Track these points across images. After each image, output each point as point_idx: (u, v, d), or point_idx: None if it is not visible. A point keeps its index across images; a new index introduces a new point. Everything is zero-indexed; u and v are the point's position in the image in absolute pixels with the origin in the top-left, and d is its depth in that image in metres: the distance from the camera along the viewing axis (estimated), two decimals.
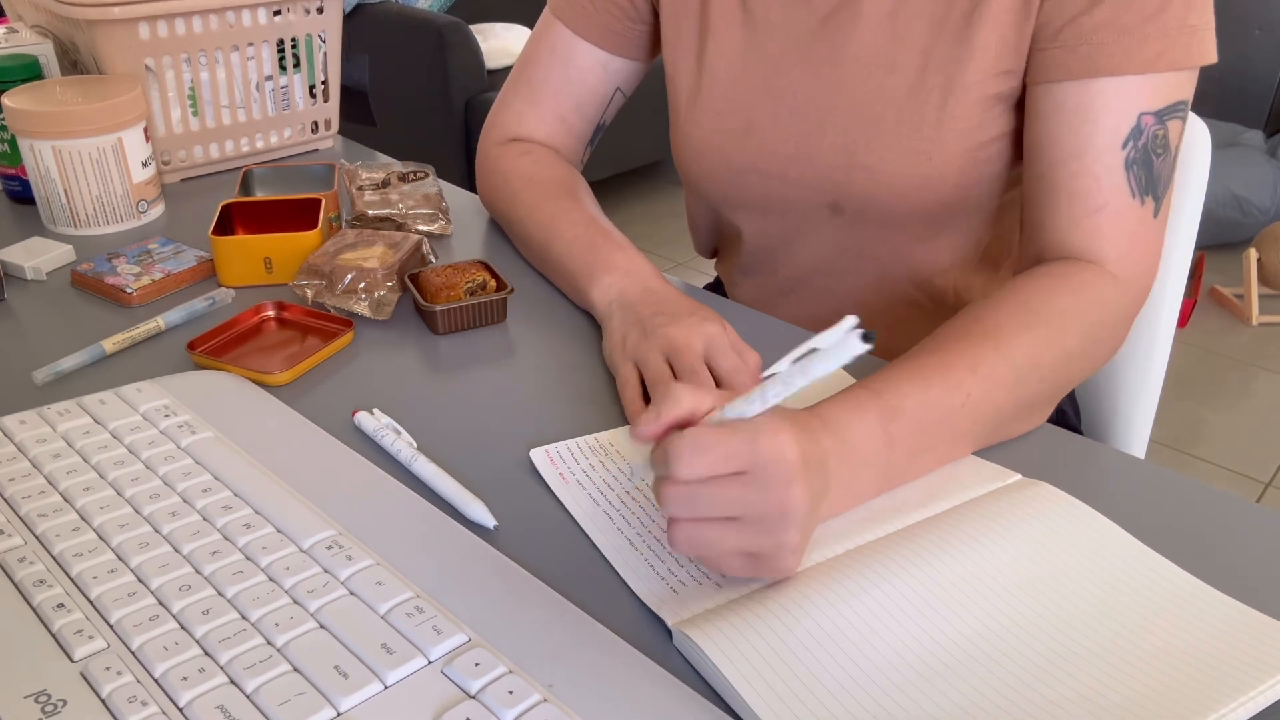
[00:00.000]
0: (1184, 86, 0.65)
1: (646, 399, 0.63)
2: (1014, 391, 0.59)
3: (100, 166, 0.87)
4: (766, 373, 0.45)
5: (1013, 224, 0.81)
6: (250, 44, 1.00)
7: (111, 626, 0.45)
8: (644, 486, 0.57)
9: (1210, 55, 0.65)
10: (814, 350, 0.43)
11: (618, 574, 0.51)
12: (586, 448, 0.60)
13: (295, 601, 0.46)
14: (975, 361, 0.57)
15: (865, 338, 0.40)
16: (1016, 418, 0.60)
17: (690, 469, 0.45)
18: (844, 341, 0.41)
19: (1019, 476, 0.57)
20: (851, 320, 0.42)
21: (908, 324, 0.85)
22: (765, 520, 0.46)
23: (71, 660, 0.43)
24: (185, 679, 0.42)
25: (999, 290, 0.64)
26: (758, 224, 0.85)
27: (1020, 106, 0.72)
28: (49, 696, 0.41)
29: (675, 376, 0.62)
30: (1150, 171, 0.66)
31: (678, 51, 0.82)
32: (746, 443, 0.45)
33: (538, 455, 0.60)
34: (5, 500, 0.53)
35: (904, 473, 0.56)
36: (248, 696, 0.41)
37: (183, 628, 0.45)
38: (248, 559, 0.49)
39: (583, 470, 0.58)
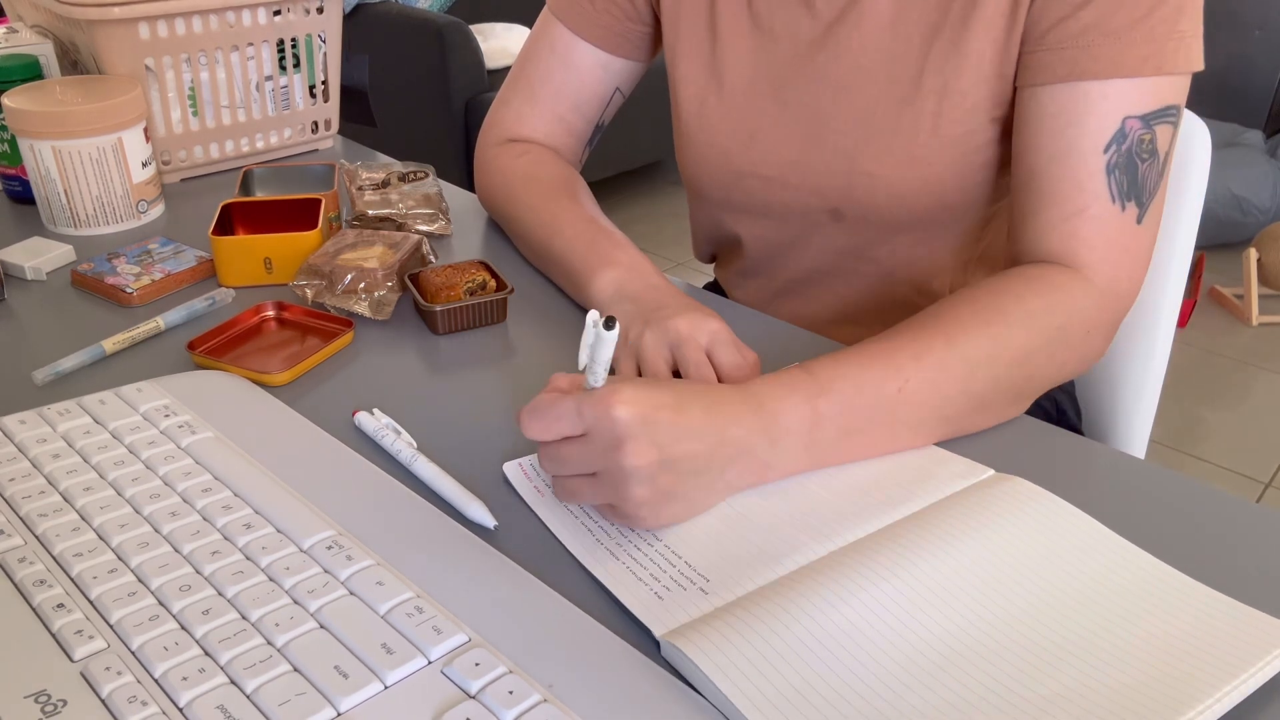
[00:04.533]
0: (1174, 91, 0.64)
1: None
2: (963, 384, 0.58)
3: (100, 166, 0.87)
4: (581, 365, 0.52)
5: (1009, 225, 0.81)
6: (250, 44, 1.00)
7: (111, 626, 0.45)
8: None
9: (1198, 63, 0.64)
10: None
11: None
12: None
13: (295, 601, 0.46)
14: (920, 351, 0.58)
15: (606, 324, 0.49)
16: (973, 410, 0.60)
17: (527, 430, 0.51)
18: (598, 334, 0.50)
19: (992, 472, 0.57)
20: (594, 314, 0.50)
21: None
22: (608, 475, 0.51)
23: (71, 660, 0.43)
24: (185, 679, 0.42)
25: (968, 288, 0.64)
26: (758, 228, 0.85)
27: (1010, 109, 0.72)
28: (49, 696, 0.41)
29: (678, 369, 0.62)
30: (1134, 177, 0.65)
31: (682, 56, 0.82)
32: (573, 406, 0.50)
33: (510, 469, 0.59)
34: (5, 500, 0.53)
35: (833, 452, 0.57)
36: (248, 696, 0.41)
37: (183, 628, 0.45)
38: (248, 559, 0.49)
39: None
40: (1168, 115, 0.65)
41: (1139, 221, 0.66)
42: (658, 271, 0.72)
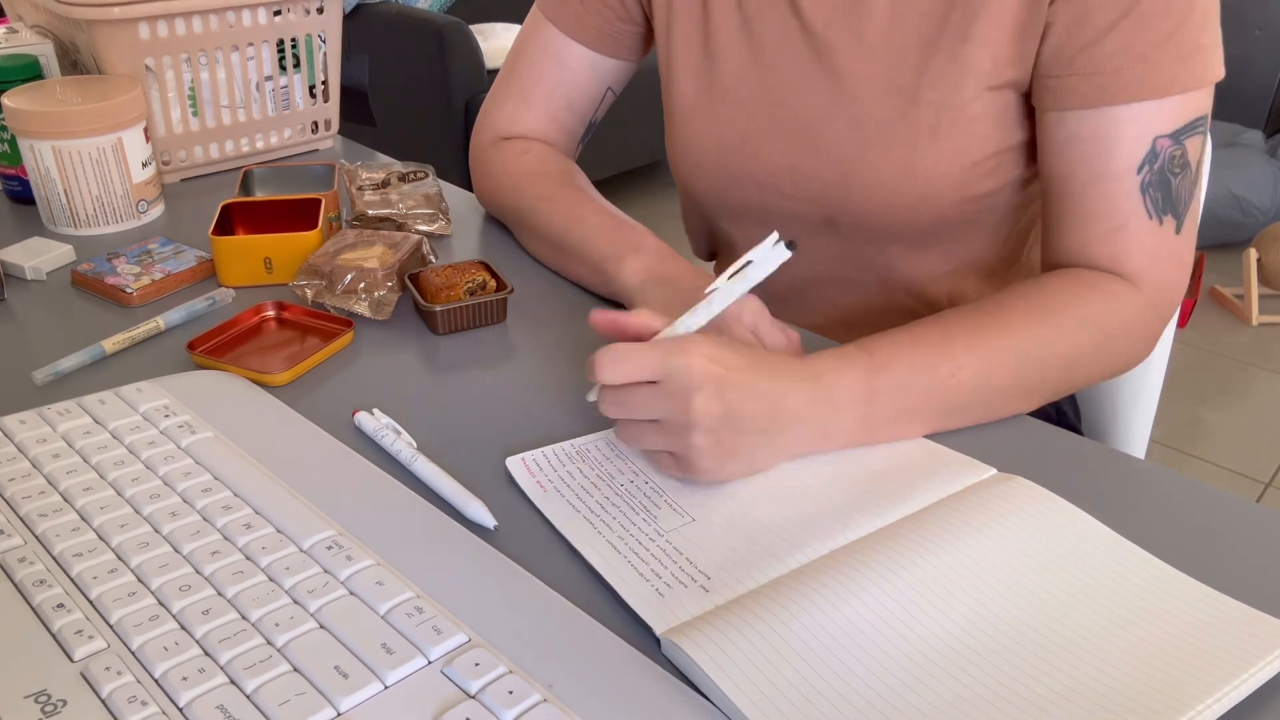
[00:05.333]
0: (1200, 103, 0.65)
1: None
2: (1014, 374, 0.60)
3: (100, 166, 0.87)
4: (709, 289, 0.55)
5: (1009, 233, 0.81)
6: (250, 44, 1.00)
7: (111, 626, 0.45)
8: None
9: (1219, 72, 0.65)
10: (749, 263, 0.54)
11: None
12: (564, 454, 0.59)
13: (295, 601, 0.46)
14: (975, 341, 0.60)
15: (789, 245, 0.52)
16: (1016, 399, 0.62)
17: (605, 374, 0.53)
18: (772, 252, 0.53)
19: (994, 471, 0.57)
20: (775, 235, 0.53)
21: None
22: (674, 424, 0.53)
23: (71, 660, 0.43)
24: (185, 679, 0.42)
25: (1022, 283, 0.65)
26: (753, 234, 0.84)
27: (1014, 123, 0.72)
28: (49, 696, 0.41)
29: None
30: (1168, 192, 0.66)
31: (674, 57, 0.81)
32: (655, 355, 0.53)
33: (514, 464, 0.59)
34: (5, 500, 0.53)
35: (886, 429, 0.59)
36: (248, 696, 0.41)
37: (183, 628, 0.45)
38: (248, 559, 0.49)
39: (560, 477, 0.57)
40: (1197, 127, 0.65)
41: (1178, 231, 0.67)
42: (681, 257, 0.72)
